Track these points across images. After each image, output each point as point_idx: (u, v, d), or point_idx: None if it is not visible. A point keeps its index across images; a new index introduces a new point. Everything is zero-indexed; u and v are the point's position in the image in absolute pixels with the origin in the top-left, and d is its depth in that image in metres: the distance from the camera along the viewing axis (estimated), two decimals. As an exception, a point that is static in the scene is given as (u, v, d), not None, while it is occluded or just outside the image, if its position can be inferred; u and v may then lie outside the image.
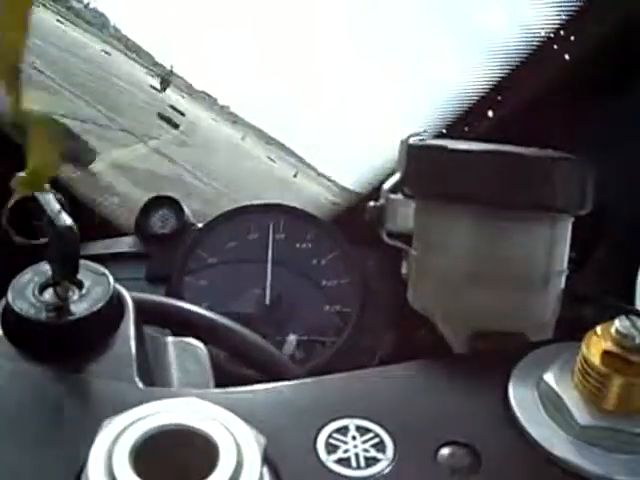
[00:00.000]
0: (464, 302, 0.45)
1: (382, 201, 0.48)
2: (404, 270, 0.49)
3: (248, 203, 1.02)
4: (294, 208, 1.01)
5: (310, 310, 0.95)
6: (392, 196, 0.48)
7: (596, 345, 0.34)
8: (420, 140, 0.47)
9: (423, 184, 0.46)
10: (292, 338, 0.92)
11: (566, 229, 0.46)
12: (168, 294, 0.92)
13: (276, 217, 1.00)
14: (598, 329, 0.35)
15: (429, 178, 0.46)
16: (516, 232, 0.44)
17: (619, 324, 0.34)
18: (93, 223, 1.04)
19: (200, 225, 1.02)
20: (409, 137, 0.48)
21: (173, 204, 1.05)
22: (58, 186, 0.40)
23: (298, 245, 1.00)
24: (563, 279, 0.47)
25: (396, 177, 0.48)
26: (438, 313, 0.47)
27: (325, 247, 0.99)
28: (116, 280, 0.42)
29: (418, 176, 0.47)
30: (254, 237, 1.00)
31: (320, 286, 0.96)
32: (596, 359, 0.34)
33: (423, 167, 0.46)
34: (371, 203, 0.49)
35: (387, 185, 0.48)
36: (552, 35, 0.74)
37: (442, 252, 0.46)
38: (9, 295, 0.40)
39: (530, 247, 0.45)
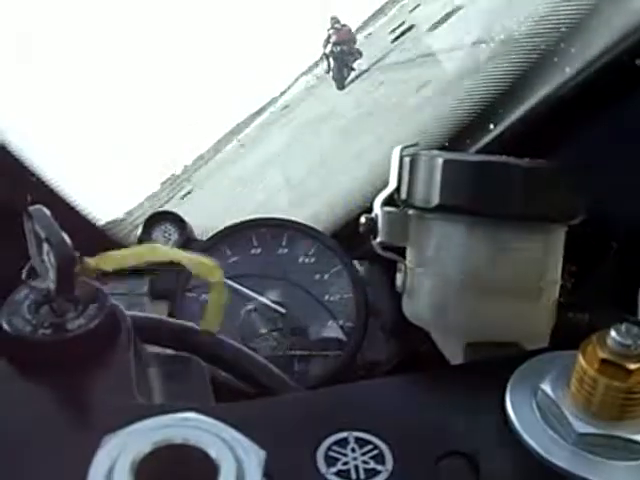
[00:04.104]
0: (459, 313, 0.46)
1: (375, 213, 0.49)
2: (398, 282, 0.49)
3: (251, 217, 1.02)
4: (297, 223, 1.01)
5: (313, 325, 0.95)
6: (385, 208, 0.48)
7: (593, 353, 0.34)
8: (413, 151, 0.48)
9: (416, 196, 0.46)
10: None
11: (559, 239, 0.47)
12: (170, 310, 0.92)
13: (279, 232, 1.00)
14: (594, 337, 0.35)
15: (422, 189, 0.46)
16: (510, 242, 0.44)
17: (615, 332, 0.34)
18: (91, 238, 1.03)
19: (203, 240, 1.02)
20: (402, 149, 0.48)
21: (175, 219, 1.05)
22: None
23: (301, 260, 0.99)
24: (557, 289, 0.47)
25: (389, 189, 0.48)
26: (433, 325, 0.47)
27: (328, 262, 0.98)
28: (118, 296, 0.42)
29: (411, 188, 0.47)
30: (257, 252, 1.00)
31: (323, 301, 0.96)
32: (593, 367, 0.34)
33: (416, 178, 0.47)
34: (365, 215, 0.49)
35: (380, 197, 0.48)
36: (552, 48, 0.74)
37: (436, 263, 0.46)
38: (4, 312, 0.40)
39: (524, 257, 0.45)
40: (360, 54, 9.94)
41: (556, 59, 0.74)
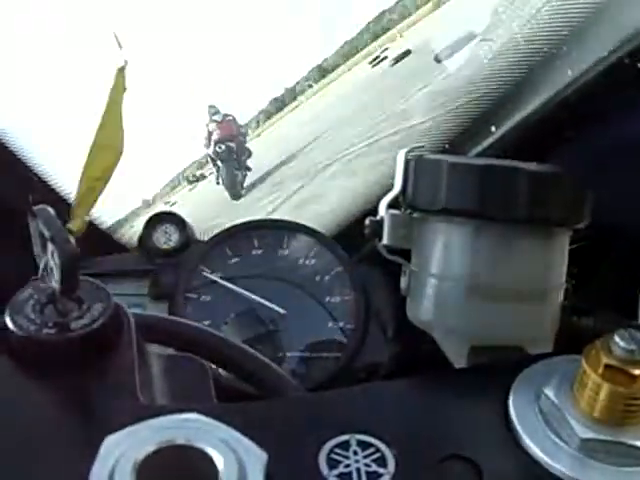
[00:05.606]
0: (463, 317, 0.46)
1: (380, 216, 0.48)
2: (403, 285, 0.49)
3: (251, 219, 1.03)
4: (297, 224, 1.01)
5: (313, 326, 0.94)
6: (391, 211, 0.48)
7: (596, 359, 0.34)
8: (419, 154, 0.48)
9: (422, 198, 0.46)
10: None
11: (564, 243, 0.47)
12: (171, 310, 0.92)
13: (280, 233, 1.00)
14: (598, 343, 0.35)
15: (427, 192, 0.46)
16: (514, 246, 0.44)
17: (619, 338, 0.34)
18: (94, 239, 1.03)
19: (204, 240, 1.02)
20: (408, 151, 0.48)
21: (176, 220, 1.05)
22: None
23: (301, 261, 0.99)
24: (562, 293, 0.47)
25: (395, 191, 0.48)
26: (437, 328, 0.47)
27: (328, 263, 0.98)
28: (119, 296, 0.42)
29: (417, 190, 0.47)
30: (257, 253, 1.00)
31: (323, 302, 0.96)
32: (596, 372, 0.34)
33: (421, 181, 0.47)
34: (370, 218, 0.49)
35: (386, 200, 0.48)
36: (554, 51, 0.74)
37: (441, 266, 0.46)
38: (8, 312, 0.40)
39: (528, 261, 0.45)
40: (250, 153, 7.82)
41: (558, 62, 0.74)
